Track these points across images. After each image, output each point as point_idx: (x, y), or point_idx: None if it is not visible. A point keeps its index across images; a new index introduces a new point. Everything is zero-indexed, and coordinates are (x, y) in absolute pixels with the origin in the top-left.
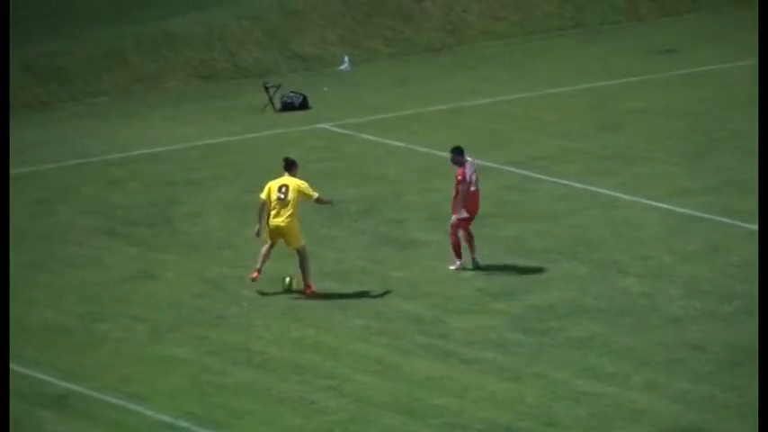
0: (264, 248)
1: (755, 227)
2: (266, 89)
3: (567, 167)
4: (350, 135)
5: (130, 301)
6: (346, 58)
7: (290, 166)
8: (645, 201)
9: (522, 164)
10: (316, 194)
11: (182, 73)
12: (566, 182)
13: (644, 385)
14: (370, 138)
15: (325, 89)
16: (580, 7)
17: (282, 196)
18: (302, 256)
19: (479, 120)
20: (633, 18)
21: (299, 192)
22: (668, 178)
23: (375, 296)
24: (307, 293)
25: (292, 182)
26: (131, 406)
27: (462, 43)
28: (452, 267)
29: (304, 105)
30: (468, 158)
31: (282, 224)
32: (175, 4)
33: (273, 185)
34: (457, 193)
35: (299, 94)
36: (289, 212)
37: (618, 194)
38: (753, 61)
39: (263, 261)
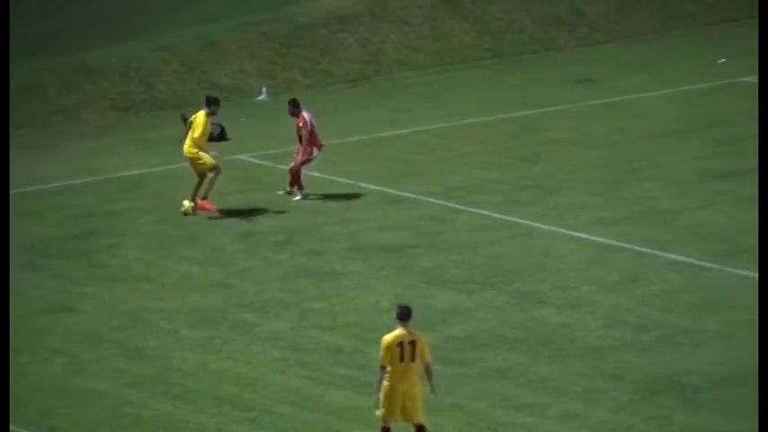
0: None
1: (675, 256)
2: (184, 121)
3: (486, 197)
4: (268, 166)
5: (49, 334)
6: (264, 89)
7: (210, 103)
8: (564, 231)
9: (441, 194)
10: (198, 133)
11: (99, 105)
12: (484, 212)
13: (563, 415)
14: (288, 169)
15: (243, 120)
16: (498, 38)
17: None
18: (205, 180)
19: (398, 150)
20: (551, 48)
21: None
22: (587, 208)
23: (293, 328)
24: (196, 208)
25: (198, 117)
26: None
27: (380, 74)
28: (298, 198)
29: (222, 137)
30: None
31: (186, 153)
32: (92, 35)
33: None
34: (301, 138)
35: (217, 125)
36: (189, 143)
37: (537, 224)
38: (670, 90)
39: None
